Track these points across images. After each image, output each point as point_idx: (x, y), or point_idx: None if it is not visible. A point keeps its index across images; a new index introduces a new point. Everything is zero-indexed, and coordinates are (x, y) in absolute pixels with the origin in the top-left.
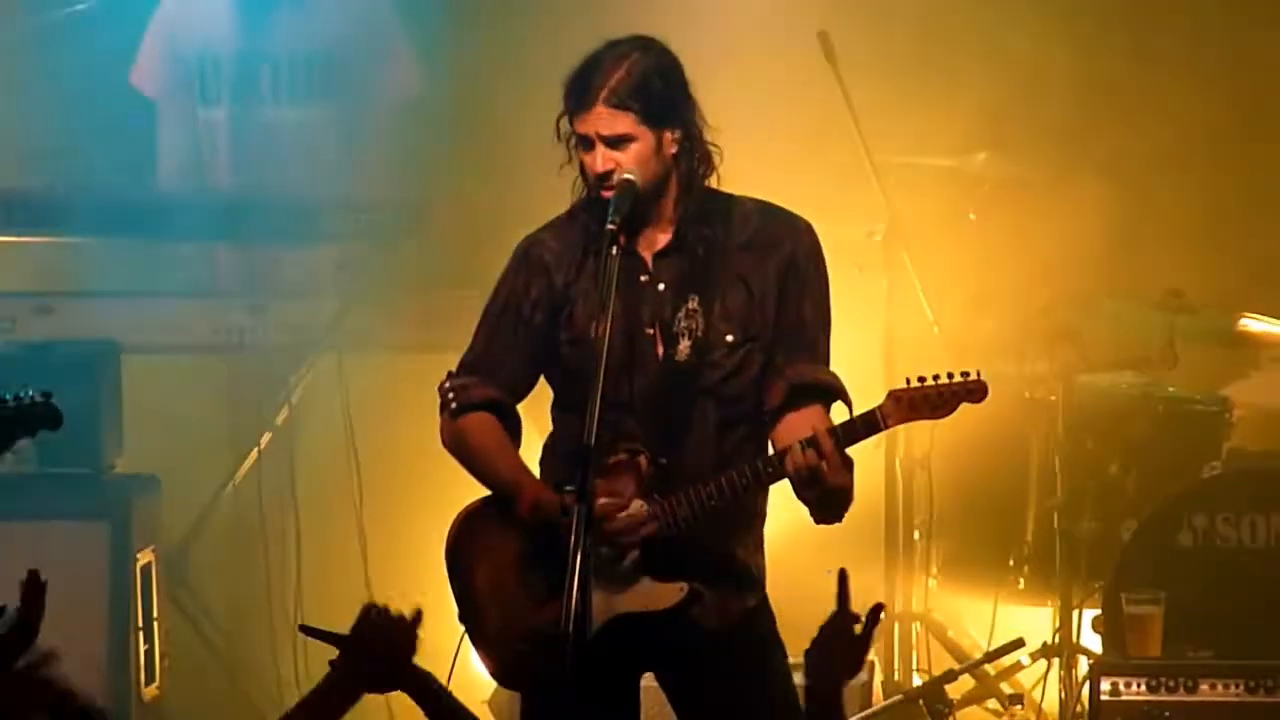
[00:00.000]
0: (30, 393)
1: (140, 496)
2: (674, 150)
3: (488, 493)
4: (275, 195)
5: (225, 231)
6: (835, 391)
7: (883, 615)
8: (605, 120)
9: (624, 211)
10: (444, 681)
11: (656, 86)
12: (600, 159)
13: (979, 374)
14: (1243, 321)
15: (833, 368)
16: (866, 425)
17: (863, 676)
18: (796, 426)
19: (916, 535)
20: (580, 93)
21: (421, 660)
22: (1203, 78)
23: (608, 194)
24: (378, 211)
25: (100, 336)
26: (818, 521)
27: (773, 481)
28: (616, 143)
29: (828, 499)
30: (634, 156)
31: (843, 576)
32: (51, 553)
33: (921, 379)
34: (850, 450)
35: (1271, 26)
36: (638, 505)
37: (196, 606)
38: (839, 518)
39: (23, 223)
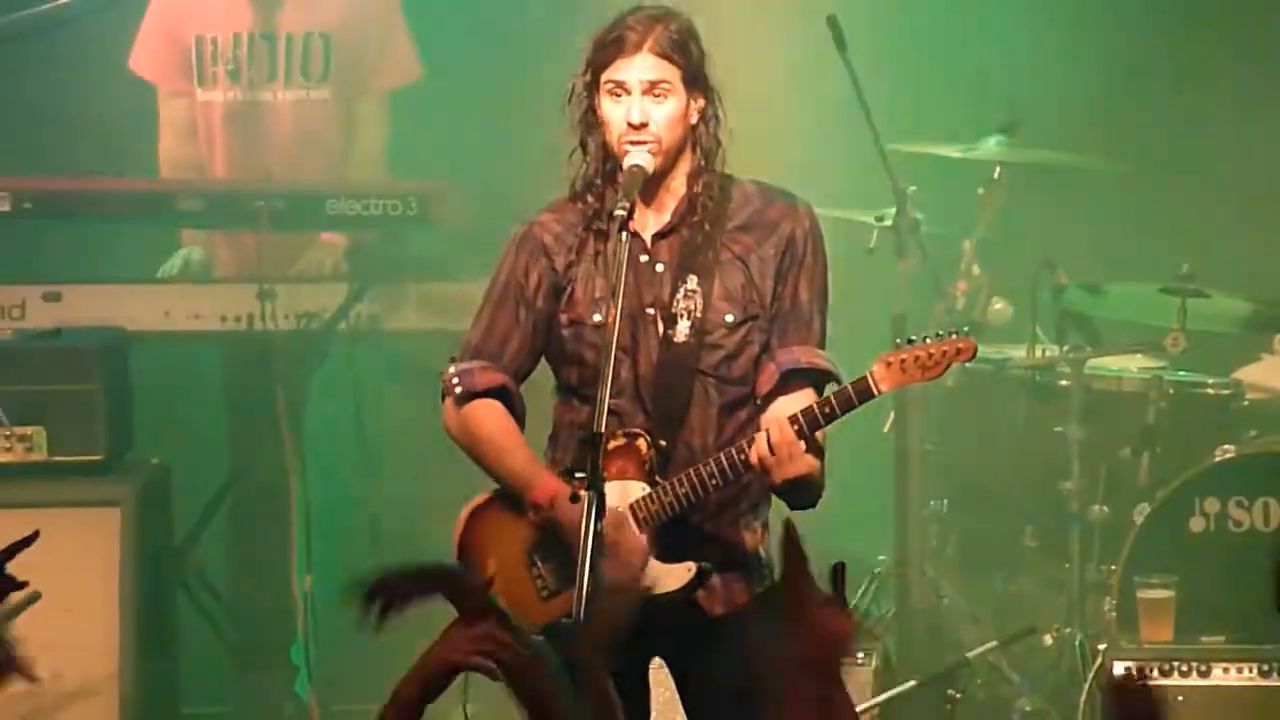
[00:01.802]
0: None
1: (150, 484)
2: (695, 120)
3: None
4: (280, 180)
5: (230, 216)
6: (829, 375)
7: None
8: (651, 66)
9: (633, 197)
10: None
11: (693, 49)
12: (637, 109)
13: (967, 331)
14: (1254, 304)
15: (842, 352)
16: (860, 393)
17: (874, 663)
18: (783, 413)
19: (926, 519)
20: (621, 41)
21: None
22: (1218, 62)
23: (633, 147)
24: (385, 197)
25: (109, 323)
26: (792, 508)
27: (748, 469)
28: (657, 94)
29: (791, 486)
30: (667, 114)
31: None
32: (62, 541)
33: (910, 340)
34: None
35: None
36: (637, 487)
37: (207, 594)
38: (811, 504)
39: (30, 210)
